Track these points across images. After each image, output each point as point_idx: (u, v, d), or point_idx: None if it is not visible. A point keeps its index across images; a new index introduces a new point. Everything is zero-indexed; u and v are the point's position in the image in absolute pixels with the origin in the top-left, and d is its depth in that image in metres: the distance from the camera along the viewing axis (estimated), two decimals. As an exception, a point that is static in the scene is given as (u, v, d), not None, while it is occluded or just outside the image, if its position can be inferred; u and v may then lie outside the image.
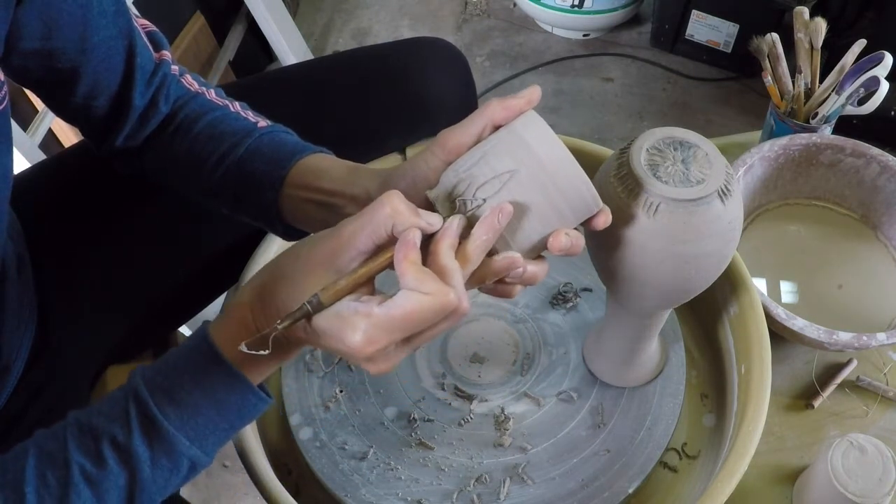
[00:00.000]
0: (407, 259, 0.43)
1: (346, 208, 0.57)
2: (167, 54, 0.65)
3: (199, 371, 0.45)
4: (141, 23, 0.64)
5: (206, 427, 0.46)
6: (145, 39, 0.63)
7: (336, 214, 0.58)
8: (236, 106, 0.66)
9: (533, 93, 0.49)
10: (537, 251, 0.50)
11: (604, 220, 0.50)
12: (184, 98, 0.66)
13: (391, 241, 0.45)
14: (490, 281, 0.49)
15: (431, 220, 0.45)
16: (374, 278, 0.46)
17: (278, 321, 0.44)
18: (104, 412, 0.45)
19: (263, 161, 0.61)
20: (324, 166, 0.60)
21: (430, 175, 0.51)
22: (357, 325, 0.43)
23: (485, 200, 0.47)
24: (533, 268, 0.50)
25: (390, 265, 0.44)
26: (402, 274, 0.43)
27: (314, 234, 0.47)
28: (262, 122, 0.64)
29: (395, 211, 0.44)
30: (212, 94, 0.67)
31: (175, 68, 0.66)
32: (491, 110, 0.50)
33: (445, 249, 0.45)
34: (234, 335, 0.46)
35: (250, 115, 0.65)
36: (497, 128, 0.50)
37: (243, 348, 0.44)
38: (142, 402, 0.45)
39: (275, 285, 0.46)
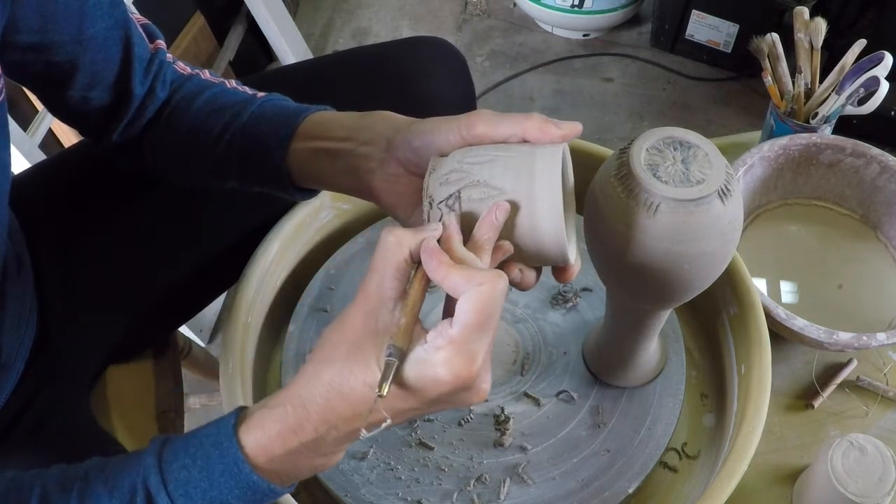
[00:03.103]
0: (440, 263, 0.43)
1: (358, 150, 0.56)
2: (161, 43, 0.65)
3: (219, 474, 0.43)
4: (135, 17, 0.64)
5: None
6: (140, 30, 0.63)
7: (347, 162, 0.57)
8: (232, 83, 0.67)
9: (573, 128, 0.49)
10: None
11: (566, 277, 0.51)
12: (179, 81, 0.66)
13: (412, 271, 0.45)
14: None
15: (435, 227, 0.46)
16: (419, 322, 0.44)
17: (377, 389, 0.40)
18: (112, 483, 0.43)
19: (269, 123, 0.61)
20: (333, 117, 0.60)
21: (445, 147, 0.51)
22: (447, 356, 0.41)
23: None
24: None
25: (429, 280, 0.44)
26: (444, 278, 0.42)
27: (332, 323, 0.45)
28: (260, 94, 0.65)
29: (401, 239, 0.44)
30: (206, 74, 0.67)
31: (169, 56, 0.66)
32: (529, 125, 0.49)
33: (457, 244, 0.45)
34: (266, 445, 0.44)
35: (247, 89, 0.66)
36: (525, 140, 0.50)
37: (364, 434, 0.42)
38: (153, 486, 0.43)
39: (323, 384, 0.43)
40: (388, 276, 0.43)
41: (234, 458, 0.43)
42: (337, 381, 0.42)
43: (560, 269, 0.51)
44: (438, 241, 0.45)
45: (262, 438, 0.44)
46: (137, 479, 0.43)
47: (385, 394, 0.41)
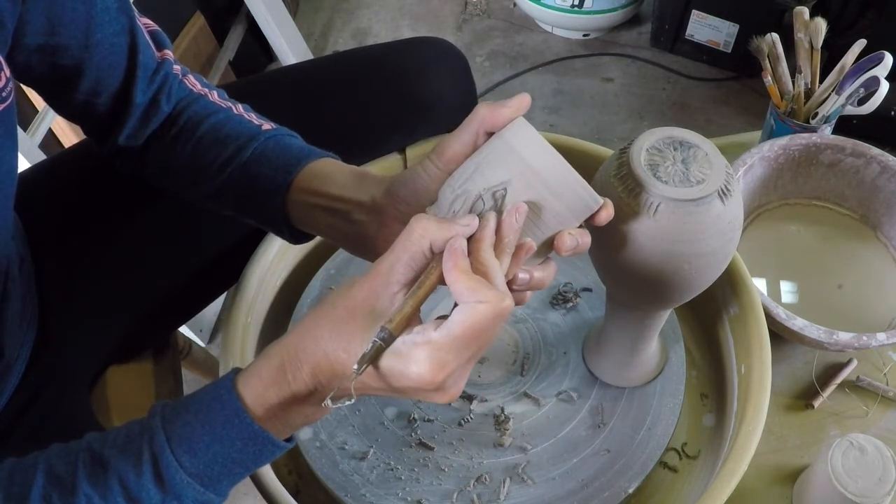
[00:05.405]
0: (457, 267, 0.43)
1: (353, 214, 0.57)
2: (169, 53, 0.65)
3: (221, 426, 0.44)
4: (143, 21, 0.64)
5: (221, 473, 0.45)
6: (147, 38, 0.63)
7: (343, 220, 0.58)
8: (239, 108, 0.66)
9: (522, 101, 0.49)
10: (542, 255, 0.51)
11: (606, 214, 0.49)
12: (186, 100, 0.66)
13: (431, 261, 0.44)
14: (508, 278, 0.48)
15: (467, 222, 0.45)
16: (419, 312, 0.45)
17: (355, 365, 0.42)
18: (118, 445, 0.44)
19: (269, 166, 0.61)
20: (330, 171, 0.60)
21: (431, 184, 0.52)
22: (419, 356, 0.42)
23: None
24: (539, 273, 0.49)
25: (442, 279, 0.44)
26: (454, 282, 0.42)
27: (345, 281, 0.46)
28: (267, 125, 0.64)
29: (425, 231, 0.44)
30: (214, 97, 0.67)
31: (177, 68, 0.66)
32: (481, 116, 0.50)
33: (486, 248, 0.45)
34: (263, 393, 0.45)
35: (254, 118, 0.65)
36: (490, 133, 0.50)
37: (328, 404, 0.44)
38: (157, 445, 0.44)
39: (313, 339, 0.44)
40: (402, 261, 0.44)
41: (234, 409, 0.44)
42: (324, 341, 0.44)
43: (595, 215, 0.49)
44: (470, 237, 0.45)
45: (258, 386, 0.45)
46: (142, 441, 0.44)
47: (360, 371, 0.42)
